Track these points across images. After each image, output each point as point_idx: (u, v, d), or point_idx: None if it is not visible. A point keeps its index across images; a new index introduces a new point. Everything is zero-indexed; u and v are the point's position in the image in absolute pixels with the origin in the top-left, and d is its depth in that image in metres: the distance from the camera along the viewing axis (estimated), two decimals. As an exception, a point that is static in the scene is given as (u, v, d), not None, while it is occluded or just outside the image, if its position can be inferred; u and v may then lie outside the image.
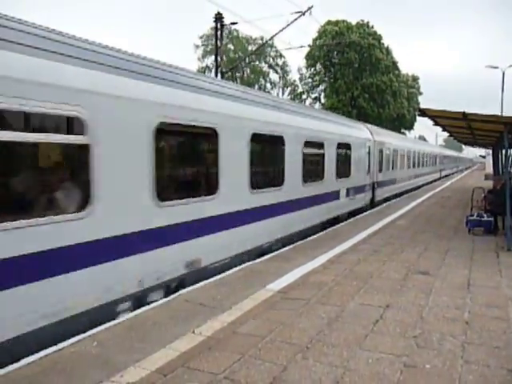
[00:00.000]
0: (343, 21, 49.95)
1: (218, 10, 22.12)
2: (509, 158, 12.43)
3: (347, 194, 15.30)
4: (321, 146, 12.61)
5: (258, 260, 8.98)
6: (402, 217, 15.62)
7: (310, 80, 55.55)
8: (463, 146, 76.22)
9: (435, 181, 40.62)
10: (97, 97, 5.40)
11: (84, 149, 5.24)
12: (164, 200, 6.48)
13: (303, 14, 18.71)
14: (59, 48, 5.15)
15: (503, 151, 18.80)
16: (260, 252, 9.47)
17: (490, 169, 36.51)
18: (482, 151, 59.54)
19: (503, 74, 41.22)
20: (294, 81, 59.76)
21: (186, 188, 7.38)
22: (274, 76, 59.77)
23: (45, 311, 4.86)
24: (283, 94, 59.71)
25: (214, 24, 21.97)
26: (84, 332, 5.11)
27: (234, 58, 50.82)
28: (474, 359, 4.50)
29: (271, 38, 22.96)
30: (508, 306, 6.16)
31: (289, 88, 60.44)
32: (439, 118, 13.91)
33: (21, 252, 4.56)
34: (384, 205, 19.88)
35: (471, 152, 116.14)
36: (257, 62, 57.62)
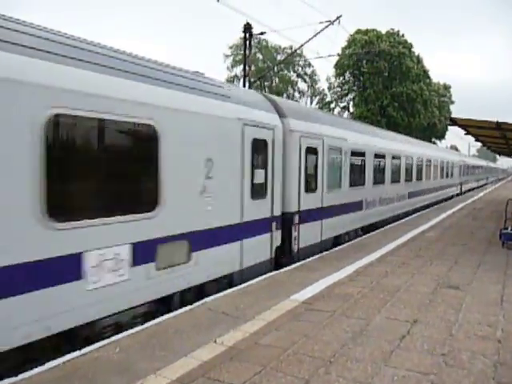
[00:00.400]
0: (373, 30, 49.53)
1: (247, 20, 22.38)
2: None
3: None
4: None
5: (282, 270, 8.89)
6: (431, 228, 15.20)
7: (338, 89, 55.20)
8: (497, 156, 73.65)
9: (450, 198, 30.75)
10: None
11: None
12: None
13: (332, 23, 18.63)
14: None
15: None
16: None
17: None
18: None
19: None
20: (323, 90, 59.56)
21: None
22: (302, 85, 59.76)
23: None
24: (312, 103, 59.59)
25: (242, 34, 22.23)
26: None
27: (263, 67, 51.06)
28: (506, 381, 4.27)
29: (299, 47, 22.97)
30: (544, 324, 5.85)
31: (317, 97, 60.25)
32: (471, 127, 13.54)
33: None
34: (414, 215, 19.42)
35: (506, 162, 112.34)
36: (285, 71, 57.73)
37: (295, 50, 31.18)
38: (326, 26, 18.96)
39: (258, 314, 6.08)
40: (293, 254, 9.71)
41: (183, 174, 6.57)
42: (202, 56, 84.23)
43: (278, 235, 9.12)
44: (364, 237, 13.33)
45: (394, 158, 16.79)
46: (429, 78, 54.24)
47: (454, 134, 60.64)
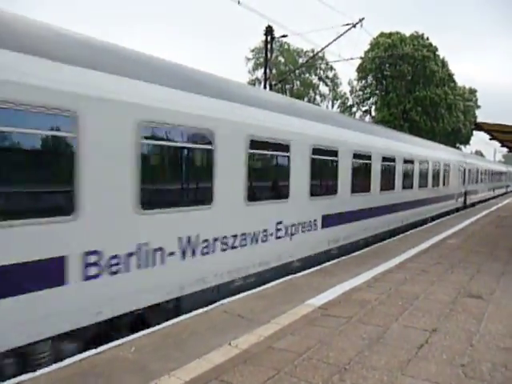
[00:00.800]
0: (397, 33, 48.95)
1: (269, 23, 22.39)
2: None
3: None
4: None
5: (299, 274, 8.85)
6: (453, 235, 14.89)
7: (360, 92, 54.74)
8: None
9: (443, 215, 21.65)
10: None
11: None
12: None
13: (354, 26, 18.49)
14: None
15: None
16: None
17: None
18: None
19: None
20: (344, 93, 59.16)
21: None
22: (323, 88, 59.47)
23: None
24: (333, 106, 59.25)
25: (264, 37, 22.25)
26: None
27: (285, 70, 51.05)
28: (528, 395, 4.13)
29: (321, 50, 22.87)
30: None
31: (339, 100, 59.86)
32: (497, 132, 13.22)
33: None
34: (434, 222, 19.07)
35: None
36: (307, 75, 57.57)
37: (317, 53, 31.05)
38: (349, 29, 18.84)
39: (273, 318, 6.05)
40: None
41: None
42: (226, 60, 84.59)
43: None
44: (383, 242, 13.15)
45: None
46: (454, 81, 53.28)
47: (479, 139, 59.31)
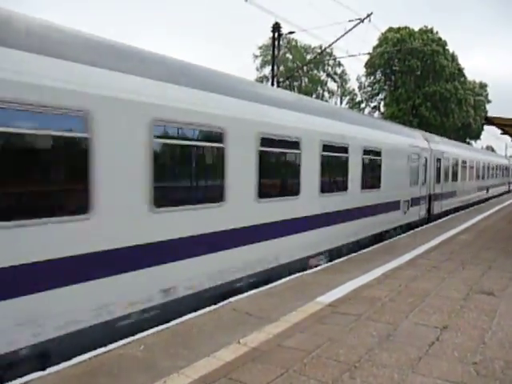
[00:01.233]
0: (405, 27, 48.50)
1: (276, 20, 22.28)
2: None
3: None
4: None
5: (309, 271, 8.80)
6: (465, 231, 14.73)
7: (369, 88, 54.39)
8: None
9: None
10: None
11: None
12: None
13: (362, 21, 18.34)
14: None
15: None
16: None
17: None
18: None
19: None
20: (353, 89, 58.80)
21: None
22: (332, 85, 59.16)
23: None
24: (341, 102, 58.93)
25: (272, 34, 22.16)
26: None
27: (293, 67, 50.85)
28: (543, 393, 4.05)
29: (329, 46, 22.73)
30: None
31: (347, 97, 59.53)
32: (508, 126, 13.03)
33: None
34: (445, 218, 18.88)
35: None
36: (315, 71, 57.29)
37: (324, 49, 30.91)
38: (357, 24, 18.70)
39: (282, 316, 6.02)
40: None
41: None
42: (234, 57, 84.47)
43: None
44: (394, 239, 13.04)
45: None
46: (464, 76, 52.69)
47: (490, 134, 58.51)
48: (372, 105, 54.97)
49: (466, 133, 55.82)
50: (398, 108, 48.66)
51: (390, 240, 12.83)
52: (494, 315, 6.17)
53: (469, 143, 54.07)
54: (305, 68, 51.50)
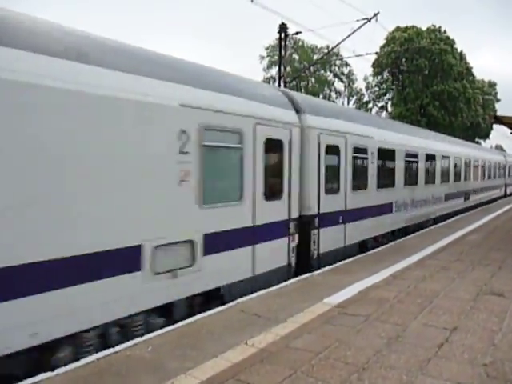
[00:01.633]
0: (413, 26, 48.19)
1: (283, 20, 22.27)
2: None
3: None
4: None
5: (317, 272, 8.77)
6: (474, 231, 14.59)
7: (376, 88, 54.12)
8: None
9: None
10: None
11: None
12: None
13: (369, 20, 18.27)
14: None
15: None
16: None
17: None
18: None
19: None
20: (360, 89, 58.56)
21: None
22: (339, 85, 58.96)
23: None
24: (349, 103, 58.73)
25: (278, 35, 22.15)
26: None
27: (300, 67, 50.78)
28: (554, 395, 4.00)
29: (336, 46, 22.68)
30: None
31: (354, 97, 59.30)
32: (518, 125, 12.89)
33: None
34: (454, 218, 18.72)
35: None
36: (322, 71, 57.15)
37: (331, 49, 30.84)
38: (363, 24, 18.64)
39: (290, 317, 6.00)
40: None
41: None
42: (241, 58, 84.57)
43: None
44: (402, 239, 12.96)
45: None
46: (472, 75, 52.24)
47: (500, 134, 57.86)
48: (379, 105, 54.71)
49: (475, 132, 55.36)
50: (405, 108, 48.37)
51: (399, 240, 12.74)
52: (504, 316, 6.10)
53: (478, 143, 53.61)
54: (312, 68, 51.41)
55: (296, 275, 8.53)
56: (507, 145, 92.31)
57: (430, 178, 16.45)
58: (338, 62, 55.60)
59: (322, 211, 9.40)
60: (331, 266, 9.27)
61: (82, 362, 4.54)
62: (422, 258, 10.12)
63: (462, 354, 4.84)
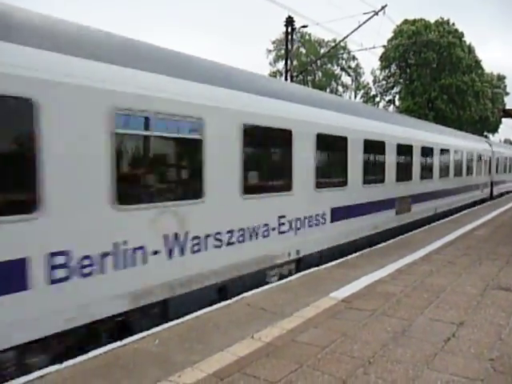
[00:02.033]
0: (421, 19, 47.69)
1: (290, 14, 22.15)
2: None
3: None
4: None
5: (323, 266, 8.78)
6: (481, 226, 14.50)
7: (384, 82, 53.72)
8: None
9: None
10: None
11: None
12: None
13: (376, 13, 18.11)
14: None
15: None
16: None
17: None
18: None
19: None
20: (367, 83, 58.16)
21: None
22: (346, 79, 58.61)
23: None
24: (356, 96, 58.37)
25: (285, 28, 22.04)
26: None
27: (306, 61, 50.53)
28: (562, 391, 3.98)
29: (343, 39, 22.52)
30: None
31: (361, 91, 58.91)
32: (527, 119, 12.72)
33: None
34: (459, 214, 18.61)
35: None
36: (329, 65, 56.83)
37: (338, 43, 30.63)
38: (371, 17, 18.48)
39: (296, 311, 6.01)
40: None
41: None
42: (247, 51, 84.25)
43: None
44: (408, 234, 12.92)
45: None
46: (481, 68, 51.67)
47: (509, 127, 57.21)
48: (387, 98, 54.33)
49: (484, 126, 54.83)
50: (413, 101, 47.99)
51: (405, 235, 12.70)
52: (511, 311, 6.07)
53: (486, 137, 53.11)
54: (318, 62, 51.15)
55: None
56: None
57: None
58: (345, 56, 55.27)
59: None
60: (337, 261, 9.27)
61: (90, 354, 4.58)
62: (428, 252, 10.08)
63: (469, 348, 4.83)
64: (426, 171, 15.52)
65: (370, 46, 23.38)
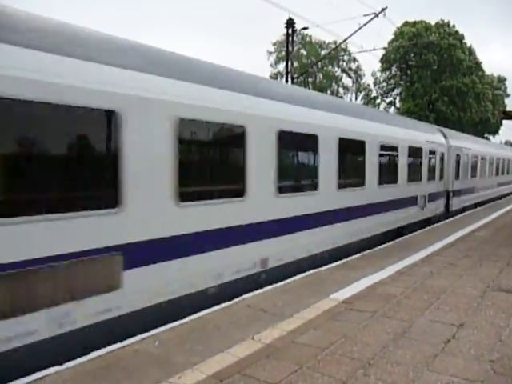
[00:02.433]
0: (421, 21, 47.77)
1: (290, 15, 22.19)
2: None
3: None
4: None
5: (323, 267, 8.78)
6: (482, 228, 14.50)
7: (384, 84, 53.79)
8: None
9: None
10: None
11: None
12: None
13: (377, 15, 18.14)
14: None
15: None
16: None
17: None
18: None
19: None
20: (368, 85, 58.19)
21: None
22: (346, 80, 58.64)
23: None
24: (356, 98, 58.40)
25: (286, 30, 22.07)
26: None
27: (307, 63, 50.57)
28: (562, 392, 3.98)
29: (343, 41, 22.54)
30: None
31: (362, 92, 58.95)
32: (527, 121, 12.73)
33: None
34: (460, 215, 18.60)
35: None
36: (329, 67, 56.87)
37: (339, 45, 30.62)
38: (371, 19, 18.51)
39: (296, 312, 6.02)
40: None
41: None
42: (248, 53, 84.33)
43: None
44: (409, 235, 12.92)
45: None
46: (482, 70, 51.72)
47: (509, 129, 57.21)
48: (387, 100, 54.40)
49: (485, 127, 54.83)
50: (414, 103, 48.03)
51: (406, 237, 12.71)
52: (511, 312, 6.07)
53: (487, 138, 53.10)
54: (319, 64, 51.19)
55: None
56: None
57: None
58: (345, 58, 55.32)
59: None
60: (338, 262, 9.28)
61: (90, 356, 4.59)
62: (429, 254, 10.07)
63: (469, 350, 4.83)
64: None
65: (370, 48, 23.43)
